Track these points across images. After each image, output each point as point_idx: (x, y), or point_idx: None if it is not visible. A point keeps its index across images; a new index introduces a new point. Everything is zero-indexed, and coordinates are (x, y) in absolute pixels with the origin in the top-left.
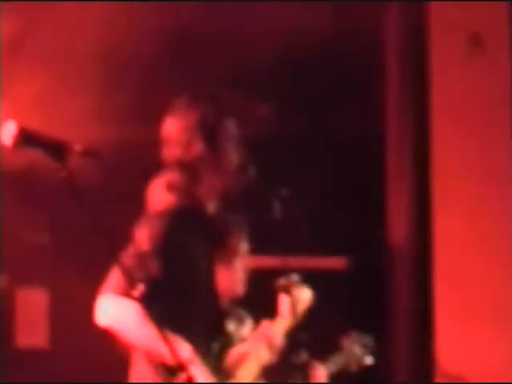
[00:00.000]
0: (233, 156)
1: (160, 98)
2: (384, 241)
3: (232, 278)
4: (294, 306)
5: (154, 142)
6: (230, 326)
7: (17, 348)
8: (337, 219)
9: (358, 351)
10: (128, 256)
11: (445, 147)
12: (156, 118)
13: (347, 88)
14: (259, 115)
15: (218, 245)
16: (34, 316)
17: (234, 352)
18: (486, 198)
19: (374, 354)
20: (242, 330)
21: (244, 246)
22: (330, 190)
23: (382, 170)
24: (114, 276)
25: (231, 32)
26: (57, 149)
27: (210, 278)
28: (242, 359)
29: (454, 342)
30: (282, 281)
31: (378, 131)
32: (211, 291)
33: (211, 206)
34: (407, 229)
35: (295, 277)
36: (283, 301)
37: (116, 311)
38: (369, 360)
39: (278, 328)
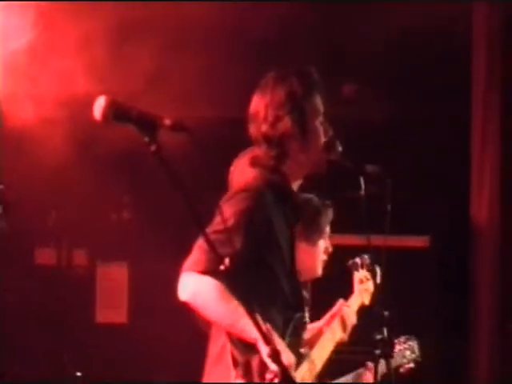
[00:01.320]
0: (320, 133)
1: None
2: (467, 221)
3: (315, 259)
4: (367, 283)
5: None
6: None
7: (96, 323)
8: (421, 199)
9: (408, 355)
10: (213, 232)
11: None
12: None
13: (436, 77)
14: (345, 94)
15: (301, 223)
16: (113, 292)
17: (310, 328)
18: None
19: (421, 358)
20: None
21: (328, 228)
22: (415, 171)
23: (466, 152)
24: (198, 253)
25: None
26: (147, 123)
27: (291, 255)
28: (317, 336)
29: None
30: (355, 260)
31: (464, 118)
32: (291, 268)
33: (296, 184)
34: (490, 209)
35: (367, 256)
36: (357, 279)
37: (197, 287)
38: (413, 365)
39: (352, 306)
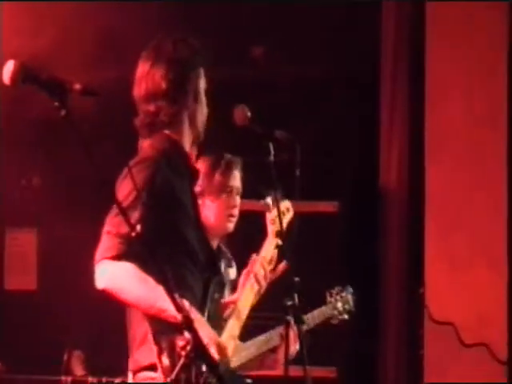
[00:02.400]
0: (204, 106)
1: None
2: (376, 185)
3: (219, 215)
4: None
5: None
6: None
7: (5, 290)
8: (330, 164)
9: (340, 307)
10: (116, 212)
11: (437, 100)
12: None
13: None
14: (253, 57)
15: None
16: (23, 259)
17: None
18: (477, 143)
19: (355, 309)
20: (230, 271)
21: (235, 183)
22: (324, 135)
23: (375, 116)
24: (107, 239)
25: None
26: (56, 87)
27: (197, 217)
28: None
29: (444, 287)
30: (266, 200)
31: (372, 79)
32: (200, 229)
33: (188, 144)
34: (399, 174)
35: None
36: (269, 220)
37: (112, 273)
38: (347, 316)
39: (264, 252)
